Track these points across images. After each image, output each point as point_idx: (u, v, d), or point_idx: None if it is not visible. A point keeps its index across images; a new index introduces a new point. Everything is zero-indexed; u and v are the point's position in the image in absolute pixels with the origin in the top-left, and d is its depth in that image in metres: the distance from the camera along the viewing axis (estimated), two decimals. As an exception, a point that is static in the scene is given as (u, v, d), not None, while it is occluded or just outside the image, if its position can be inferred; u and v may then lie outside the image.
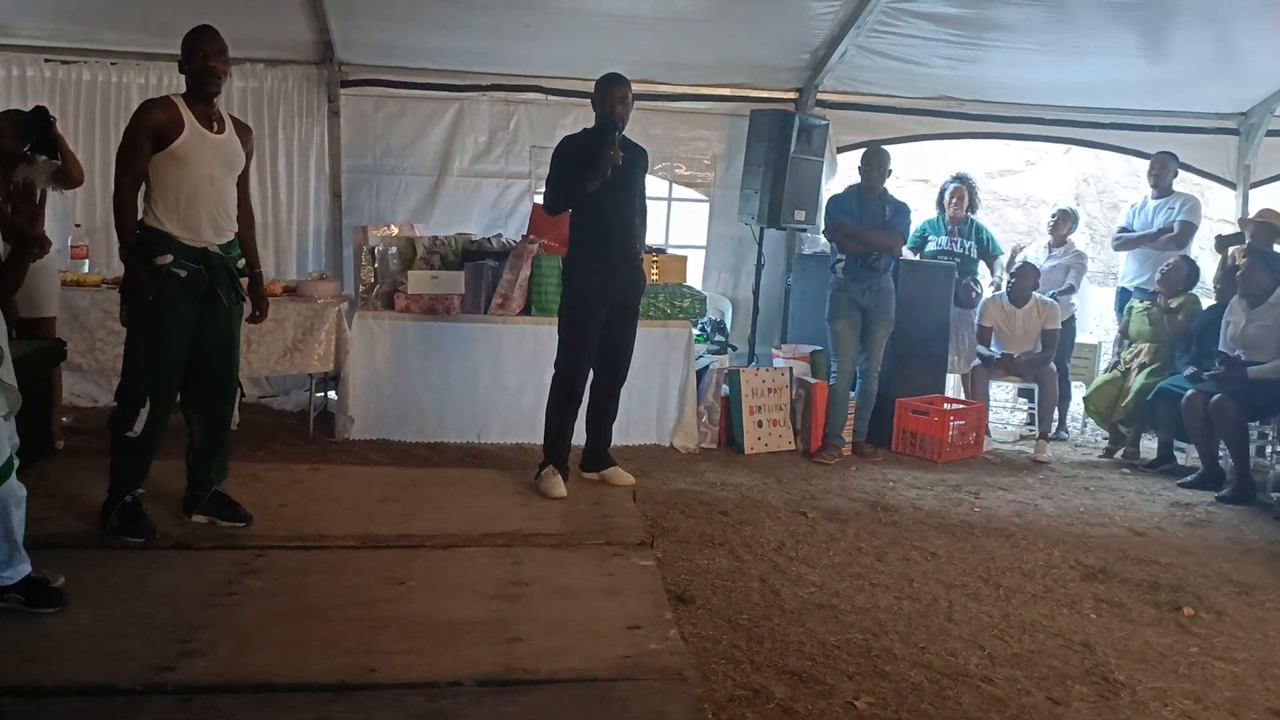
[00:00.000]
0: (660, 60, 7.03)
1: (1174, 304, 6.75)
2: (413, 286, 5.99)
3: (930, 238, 7.57)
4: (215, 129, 4.05)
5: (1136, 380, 6.70)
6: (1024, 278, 7.10)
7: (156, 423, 4.04)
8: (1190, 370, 6.35)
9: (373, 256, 6.19)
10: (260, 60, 6.79)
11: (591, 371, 5.08)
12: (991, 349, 7.08)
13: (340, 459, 5.65)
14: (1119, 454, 6.84)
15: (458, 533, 4.35)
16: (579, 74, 6.71)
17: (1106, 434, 7.13)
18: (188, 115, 3.96)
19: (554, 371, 5.08)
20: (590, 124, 5.02)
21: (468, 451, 5.99)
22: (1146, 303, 6.94)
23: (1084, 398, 7.24)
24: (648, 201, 5.20)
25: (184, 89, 4.02)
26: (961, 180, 7.59)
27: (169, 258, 3.96)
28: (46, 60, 6.64)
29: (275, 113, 6.90)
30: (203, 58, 3.96)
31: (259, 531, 4.24)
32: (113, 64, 6.66)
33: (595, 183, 4.76)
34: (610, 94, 4.88)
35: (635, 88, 7.14)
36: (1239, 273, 6.32)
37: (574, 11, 6.29)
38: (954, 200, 7.49)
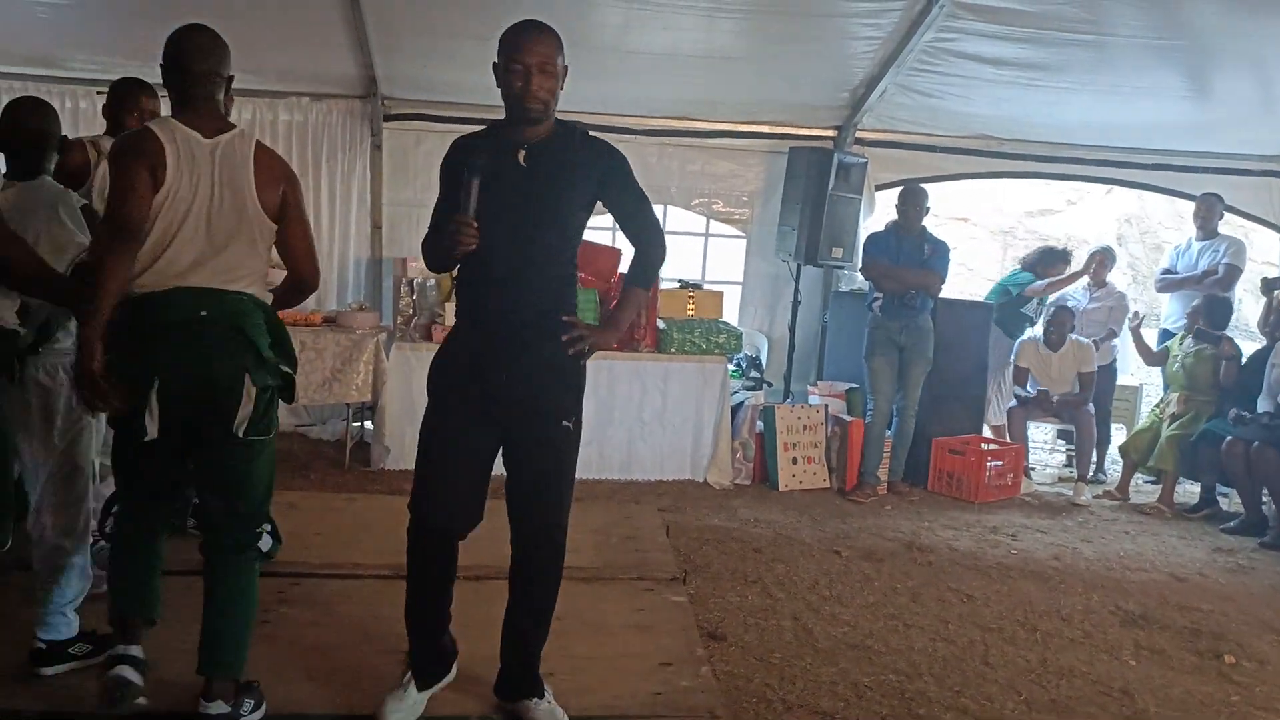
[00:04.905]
0: (700, 97, 7.08)
1: (1198, 349, 6.61)
2: (451, 319, 6.02)
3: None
4: None
5: (1165, 431, 6.58)
6: (1059, 322, 7.00)
7: None
8: (1233, 414, 6.24)
9: (412, 288, 6.26)
10: (305, 94, 6.90)
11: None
12: (1028, 389, 6.99)
13: (375, 489, 5.69)
14: (1149, 505, 6.61)
15: (490, 565, 4.34)
16: (619, 110, 6.77)
17: (1153, 479, 7.00)
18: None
19: None
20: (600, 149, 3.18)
21: (500, 483, 5.96)
22: (1199, 345, 6.67)
23: (1120, 448, 7.07)
24: (665, 234, 3.36)
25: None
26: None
27: None
28: (99, 93, 6.70)
29: (319, 145, 7.01)
30: None
31: (294, 560, 4.28)
32: (164, 96, 6.74)
33: (452, 254, 2.93)
34: (510, 55, 2.85)
35: (674, 124, 7.25)
36: None
37: (613, 49, 6.34)
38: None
